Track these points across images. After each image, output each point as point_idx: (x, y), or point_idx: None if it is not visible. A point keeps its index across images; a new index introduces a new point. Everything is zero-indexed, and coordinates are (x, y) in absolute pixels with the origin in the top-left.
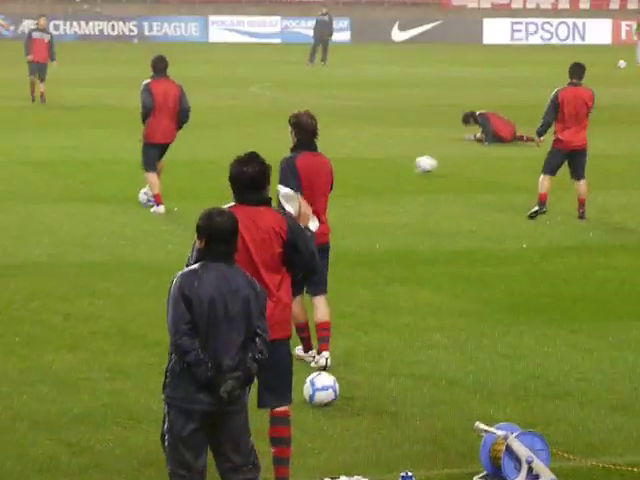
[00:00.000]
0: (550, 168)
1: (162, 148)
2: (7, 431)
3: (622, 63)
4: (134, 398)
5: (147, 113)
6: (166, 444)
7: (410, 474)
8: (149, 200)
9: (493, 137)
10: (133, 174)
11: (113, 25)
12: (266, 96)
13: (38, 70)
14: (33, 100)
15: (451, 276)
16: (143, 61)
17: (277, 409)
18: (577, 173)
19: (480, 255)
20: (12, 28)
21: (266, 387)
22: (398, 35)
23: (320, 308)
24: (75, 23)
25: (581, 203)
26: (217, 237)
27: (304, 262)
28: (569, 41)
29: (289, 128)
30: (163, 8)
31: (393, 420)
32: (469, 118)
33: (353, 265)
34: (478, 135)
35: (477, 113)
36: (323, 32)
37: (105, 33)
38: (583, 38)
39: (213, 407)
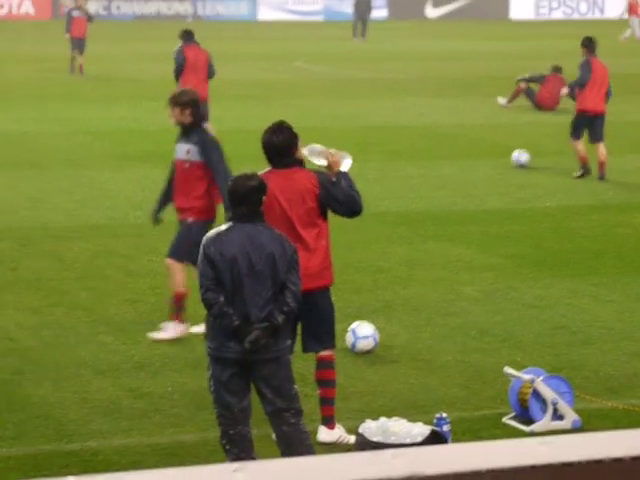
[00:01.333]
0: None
1: None
2: (73, 377)
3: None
4: (190, 347)
5: (179, 71)
6: (212, 389)
7: (444, 416)
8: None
9: (534, 105)
10: None
11: (169, 5)
12: (309, 70)
13: (78, 45)
14: (72, 72)
15: (481, 234)
16: (197, 39)
17: (321, 353)
18: (597, 136)
19: (508, 214)
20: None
21: (310, 333)
22: (431, 12)
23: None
24: (135, 3)
25: (601, 165)
26: (237, 199)
27: (346, 208)
28: (589, 15)
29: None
30: None
31: (428, 367)
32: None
33: (391, 224)
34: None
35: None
36: (363, 9)
37: (162, 13)
38: (602, 12)
39: (243, 355)
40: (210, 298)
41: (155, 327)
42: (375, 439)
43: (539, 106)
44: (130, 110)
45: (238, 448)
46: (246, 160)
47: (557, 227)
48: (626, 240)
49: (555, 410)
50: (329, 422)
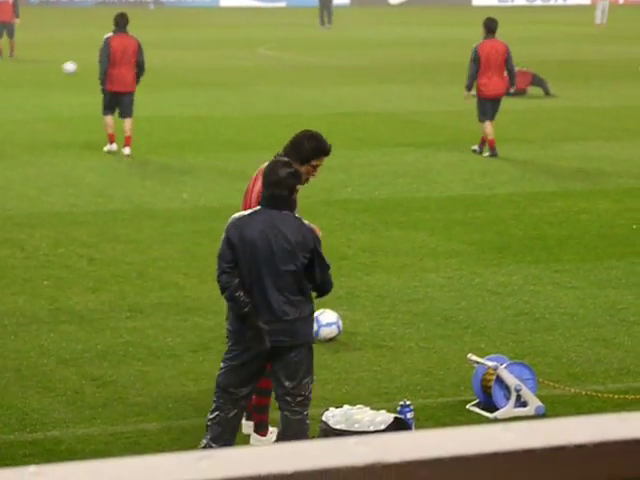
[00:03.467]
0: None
1: (119, 96)
2: (36, 366)
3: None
4: (153, 336)
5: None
6: (221, 370)
7: (408, 403)
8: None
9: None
10: (152, 129)
11: None
12: (273, 57)
13: (5, 29)
14: (1, 56)
15: (445, 220)
16: (159, 26)
17: None
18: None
19: (472, 201)
20: None
21: None
22: None
23: None
24: None
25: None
26: (269, 184)
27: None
28: (552, 2)
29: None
30: None
31: (392, 354)
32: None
33: (354, 211)
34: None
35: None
36: None
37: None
38: None
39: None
40: (224, 281)
41: (118, 316)
42: (338, 427)
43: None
44: (93, 97)
45: (222, 429)
46: (212, 145)
47: (521, 214)
48: (589, 227)
49: (518, 397)
50: (261, 429)
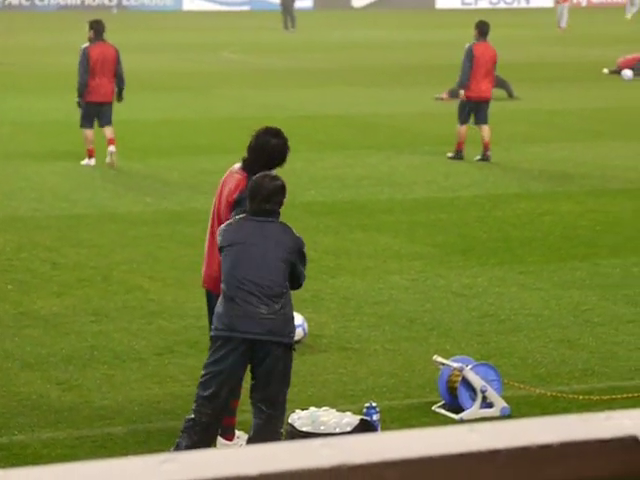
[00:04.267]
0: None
1: (100, 107)
2: (0, 371)
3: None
4: (118, 339)
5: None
6: (203, 377)
7: (374, 405)
8: None
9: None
10: (115, 133)
11: None
12: (236, 60)
13: None
14: None
15: (409, 223)
16: (122, 30)
17: None
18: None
19: (435, 203)
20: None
21: None
22: (357, 1)
23: None
24: None
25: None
26: (259, 198)
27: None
28: (515, 5)
29: None
30: None
31: (357, 356)
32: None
33: (317, 214)
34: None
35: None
36: (286, 1)
37: (86, 3)
38: (528, 1)
39: (254, 335)
40: None
41: (83, 320)
42: (304, 429)
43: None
44: (56, 102)
45: (201, 435)
46: (175, 149)
47: (484, 216)
48: (553, 228)
49: (484, 398)
50: (227, 432)
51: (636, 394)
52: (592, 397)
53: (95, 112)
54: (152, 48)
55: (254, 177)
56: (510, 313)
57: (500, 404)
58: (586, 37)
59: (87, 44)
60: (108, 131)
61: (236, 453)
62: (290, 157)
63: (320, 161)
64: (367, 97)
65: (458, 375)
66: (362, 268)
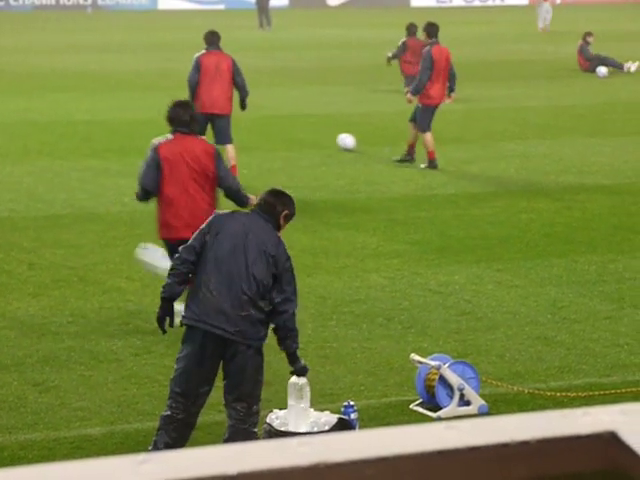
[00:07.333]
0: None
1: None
2: None
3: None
4: (95, 340)
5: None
6: (176, 372)
7: (352, 403)
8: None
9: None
10: (90, 133)
11: None
12: None
13: None
14: None
15: (386, 221)
16: (97, 30)
17: None
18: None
19: (413, 201)
20: None
21: None
22: (333, 0)
23: None
24: None
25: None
26: (264, 206)
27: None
28: (489, 2)
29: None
30: None
31: (335, 355)
32: None
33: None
34: None
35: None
36: (261, 0)
37: (60, 3)
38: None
39: (225, 332)
40: (180, 254)
41: (59, 321)
42: (283, 429)
43: (406, 76)
44: (32, 102)
45: (176, 433)
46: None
47: (462, 214)
48: (530, 225)
49: (462, 396)
50: None
51: (613, 391)
52: (569, 394)
53: (206, 124)
54: (127, 48)
55: (263, 193)
56: (487, 310)
57: (478, 402)
58: (560, 34)
59: (202, 52)
60: (230, 151)
61: (214, 452)
62: (268, 156)
63: (298, 160)
64: (344, 96)
65: (435, 373)
66: (339, 267)
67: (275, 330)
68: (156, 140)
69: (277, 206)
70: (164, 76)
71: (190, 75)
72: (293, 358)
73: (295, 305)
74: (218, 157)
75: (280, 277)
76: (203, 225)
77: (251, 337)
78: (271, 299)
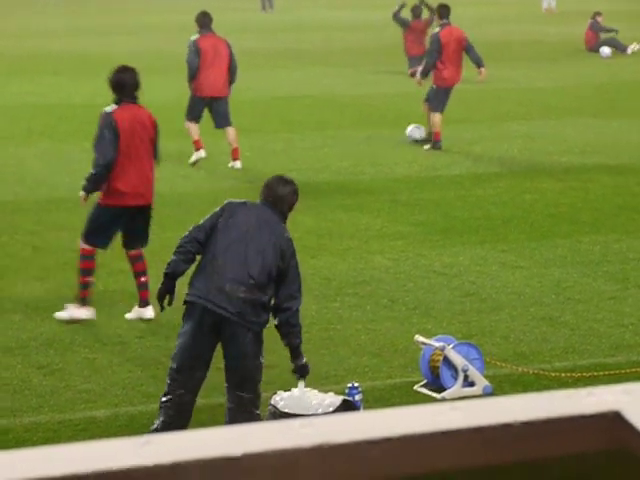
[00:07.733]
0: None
1: (211, 102)
2: None
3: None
4: (99, 322)
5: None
6: (177, 349)
7: (356, 385)
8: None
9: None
10: (91, 116)
11: None
12: None
13: None
14: None
15: (390, 202)
16: (101, 12)
17: (132, 252)
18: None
19: (417, 182)
20: None
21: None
22: None
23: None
24: None
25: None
26: (273, 199)
27: None
28: None
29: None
30: None
31: (339, 336)
32: None
33: (299, 195)
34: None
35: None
36: None
37: None
38: None
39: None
40: (186, 235)
41: (64, 304)
42: (287, 410)
43: (410, 57)
44: (33, 85)
45: (174, 411)
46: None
47: (465, 195)
48: (534, 206)
49: (466, 377)
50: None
51: (617, 371)
52: (574, 374)
53: (204, 108)
54: (129, 30)
55: (267, 180)
56: (492, 292)
57: (482, 383)
58: (565, 15)
59: (196, 36)
60: (231, 134)
61: (218, 433)
62: (270, 138)
63: (300, 141)
64: (346, 77)
65: (440, 354)
66: (343, 248)
67: (278, 326)
68: (108, 108)
69: (286, 198)
70: (164, 59)
71: (190, 59)
72: (296, 353)
73: (299, 302)
74: (157, 126)
75: (285, 272)
76: (217, 209)
77: (251, 320)
78: (276, 296)
